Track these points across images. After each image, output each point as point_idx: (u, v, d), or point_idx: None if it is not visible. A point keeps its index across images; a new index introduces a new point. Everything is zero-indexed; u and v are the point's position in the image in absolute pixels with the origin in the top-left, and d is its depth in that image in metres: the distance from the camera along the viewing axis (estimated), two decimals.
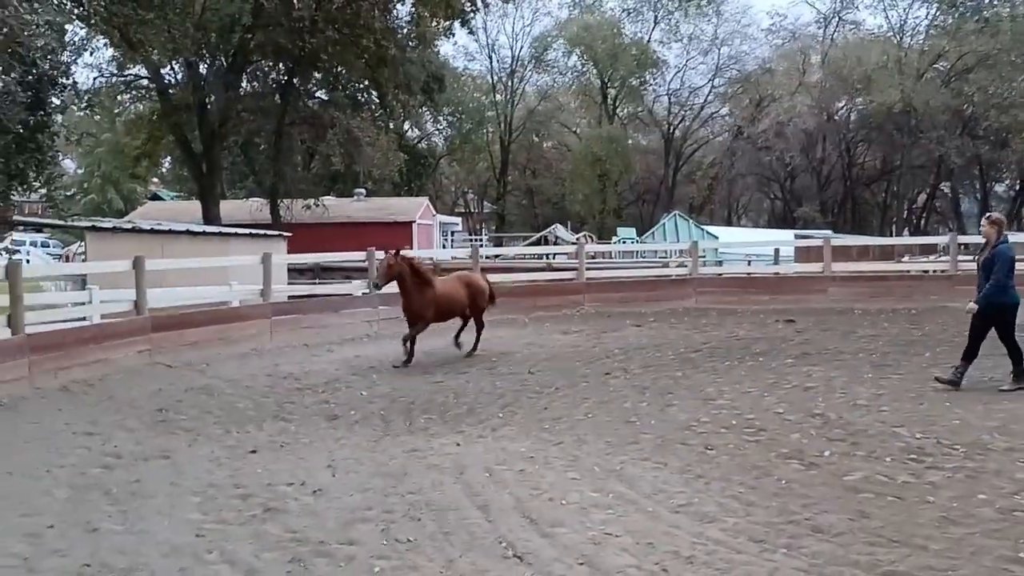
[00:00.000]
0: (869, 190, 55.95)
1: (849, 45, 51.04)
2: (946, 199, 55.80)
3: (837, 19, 52.93)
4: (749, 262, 26.30)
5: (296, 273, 22.60)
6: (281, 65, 31.12)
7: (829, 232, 33.39)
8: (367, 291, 15.38)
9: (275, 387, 10.10)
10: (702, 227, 39.83)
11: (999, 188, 56.64)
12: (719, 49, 54.91)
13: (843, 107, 53.43)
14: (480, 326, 12.47)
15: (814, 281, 17.57)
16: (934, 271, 19.58)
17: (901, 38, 50.04)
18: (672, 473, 6.49)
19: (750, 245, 30.91)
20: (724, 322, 15.13)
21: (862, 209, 55.81)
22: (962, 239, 20.23)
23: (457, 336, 12.29)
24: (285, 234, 23.73)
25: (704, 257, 24.90)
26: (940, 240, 21.16)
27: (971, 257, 18.23)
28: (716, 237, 35.45)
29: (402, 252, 11.48)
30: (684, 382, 9.96)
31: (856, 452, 6.88)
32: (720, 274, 21.42)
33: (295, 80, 30.72)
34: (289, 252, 21.18)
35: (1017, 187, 52.58)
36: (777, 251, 22.71)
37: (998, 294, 8.82)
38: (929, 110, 45.18)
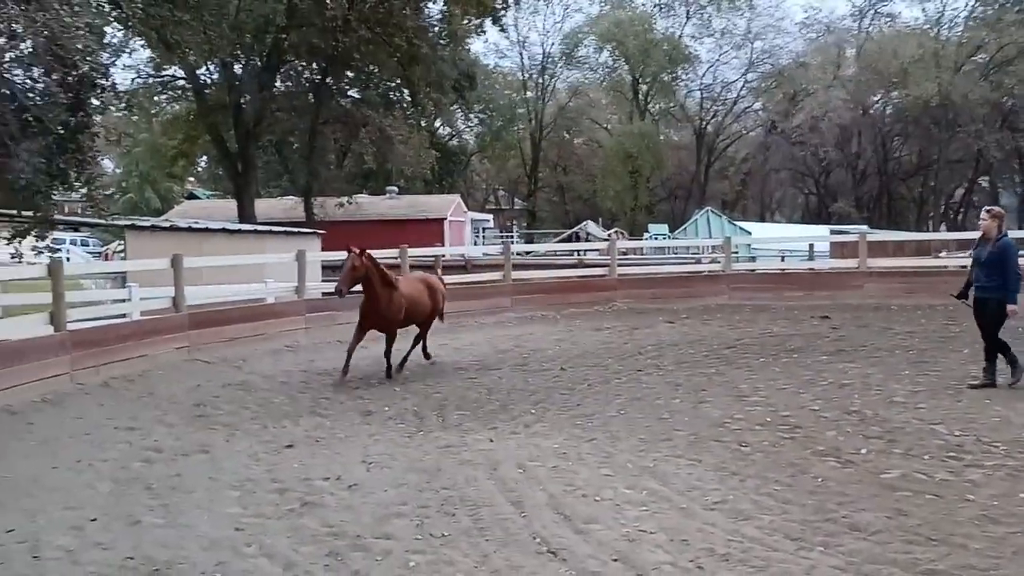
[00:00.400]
0: (905, 185, 55.09)
1: (885, 38, 50.31)
2: (984, 193, 54.76)
3: (873, 12, 52.27)
4: (783, 258, 26.05)
5: (330, 270, 22.77)
6: (314, 64, 31.40)
7: (865, 228, 32.95)
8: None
9: (310, 383, 10.21)
10: (735, 223, 39.50)
11: None
12: (752, 43, 54.51)
13: (879, 101, 52.68)
14: (426, 332, 11.37)
15: (850, 277, 17.37)
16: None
17: (938, 30, 49.21)
18: (706, 470, 6.46)
19: (784, 241, 30.60)
20: (758, 318, 15.02)
21: (898, 204, 54.98)
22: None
23: (411, 350, 11.14)
24: (319, 232, 23.94)
25: (737, 253, 24.71)
26: (977, 235, 20.71)
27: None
28: (749, 233, 35.16)
29: (368, 251, 10.17)
30: (718, 379, 9.91)
31: (893, 450, 6.80)
32: (753, 270, 21.26)
33: (328, 79, 30.98)
34: (323, 250, 21.35)
35: None
36: (812, 247, 22.49)
37: (1009, 289, 8.65)
38: (967, 103, 44.40)
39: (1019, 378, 8.76)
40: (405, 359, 10.90)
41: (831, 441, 7.11)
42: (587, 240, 37.10)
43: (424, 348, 11.23)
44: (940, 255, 22.49)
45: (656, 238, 38.16)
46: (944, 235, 36.97)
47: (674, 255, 28.17)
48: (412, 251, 16.35)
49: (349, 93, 34.17)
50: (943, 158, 47.92)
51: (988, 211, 9.04)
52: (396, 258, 16.09)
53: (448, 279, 18.41)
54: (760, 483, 6.11)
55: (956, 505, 5.54)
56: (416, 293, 10.82)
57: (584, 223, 44.19)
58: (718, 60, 55.69)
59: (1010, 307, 8.67)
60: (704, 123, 57.65)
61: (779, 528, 5.23)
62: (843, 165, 53.41)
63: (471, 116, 55.76)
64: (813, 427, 7.56)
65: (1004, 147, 45.36)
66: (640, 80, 56.89)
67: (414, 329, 11.35)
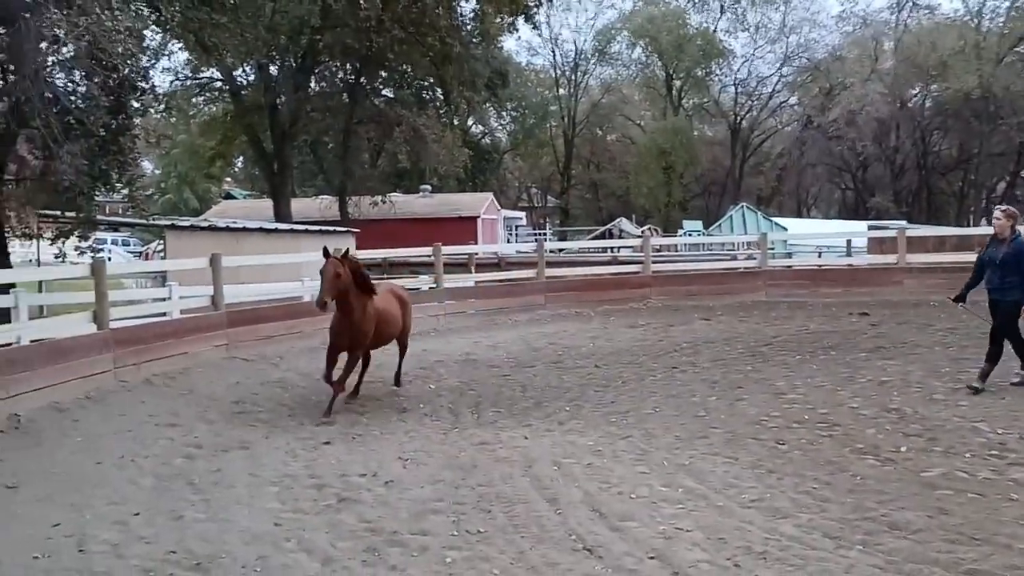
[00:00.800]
0: (945, 179, 54.08)
1: (923, 30, 49.41)
2: None
3: (911, 4, 51.31)
4: (820, 254, 25.74)
5: (366, 268, 22.97)
6: (348, 65, 31.70)
7: (904, 223, 32.43)
8: (433, 286, 15.54)
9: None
10: (770, 219, 39.10)
11: None
12: (787, 37, 53.93)
13: (917, 94, 51.78)
14: (404, 350, 10.01)
15: (888, 273, 17.12)
16: None
17: (979, 22, 48.23)
18: (743, 468, 6.42)
19: (821, 236, 30.23)
20: (795, 315, 14.86)
21: (938, 199, 53.99)
22: None
23: (400, 364, 10.03)
24: (353, 230, 24.15)
25: (773, 249, 24.47)
26: (1021, 229, 20.32)
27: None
28: (785, 229, 34.77)
29: (351, 254, 8.78)
30: (754, 376, 9.83)
31: (934, 448, 6.71)
32: (790, 266, 21.03)
33: (362, 79, 31.22)
34: (358, 248, 21.52)
35: None
36: (849, 242, 22.19)
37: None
38: (1009, 95, 43.47)
39: (975, 383, 8.50)
40: (399, 373, 9.88)
41: (870, 439, 7.03)
42: (620, 237, 36.98)
43: (399, 373, 9.92)
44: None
45: (690, 234, 37.91)
46: (985, 230, 36.22)
47: (709, 251, 27.98)
48: (446, 249, 16.39)
49: (383, 93, 34.43)
50: (984, 151, 46.96)
51: (1003, 210, 8.74)
52: (430, 256, 16.18)
53: (482, 277, 18.55)
54: (798, 481, 6.06)
55: (999, 504, 5.46)
56: (389, 307, 9.30)
57: (617, 220, 44.05)
58: (753, 55, 55.22)
59: None
60: (739, 118, 57.13)
61: (817, 526, 5.19)
62: (881, 159, 52.60)
63: (504, 114, 55.84)
64: (852, 425, 7.48)
65: None
66: (673, 76, 56.55)
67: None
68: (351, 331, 8.66)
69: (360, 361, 9.17)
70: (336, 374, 8.72)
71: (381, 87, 34.47)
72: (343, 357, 8.81)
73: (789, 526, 5.22)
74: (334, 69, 32.71)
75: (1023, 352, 8.62)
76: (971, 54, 44.91)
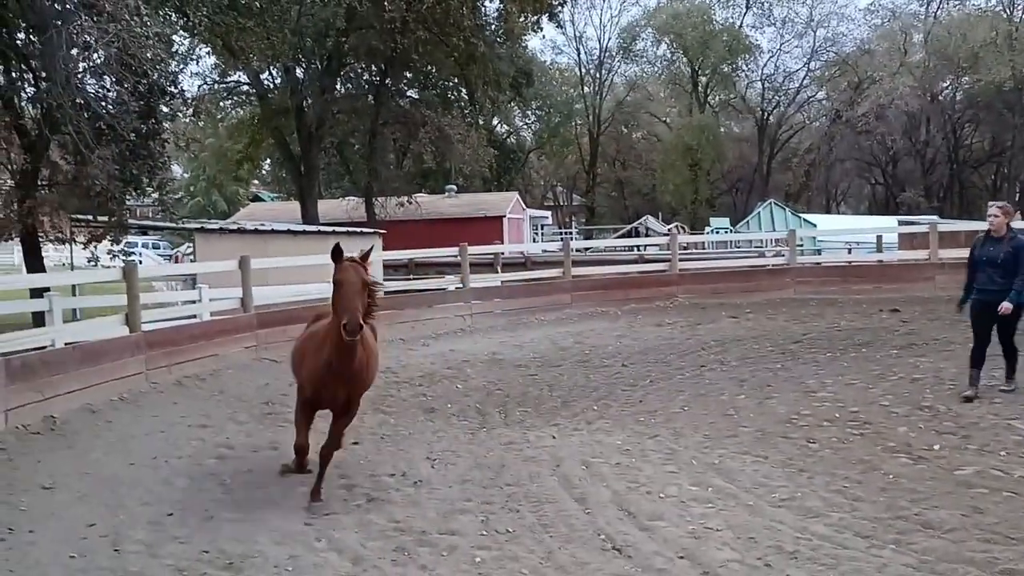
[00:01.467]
0: (977, 173, 53.27)
1: (953, 22, 48.67)
2: None
3: None
4: (850, 250, 25.45)
5: (391, 269, 23.09)
6: (374, 66, 31.81)
7: (935, 218, 31.98)
8: (460, 286, 15.58)
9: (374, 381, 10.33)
10: (799, 215, 38.72)
11: None
12: (815, 31, 53.33)
13: (948, 87, 51.03)
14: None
15: (920, 269, 16.90)
16: None
17: (1012, 12, 47.42)
18: (773, 467, 6.38)
19: (851, 232, 29.89)
20: (824, 312, 14.72)
21: (970, 193, 53.18)
22: None
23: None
24: (380, 231, 24.25)
25: (802, 246, 24.24)
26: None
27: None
28: (814, 225, 34.42)
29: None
30: (783, 374, 9.75)
31: (968, 446, 6.62)
32: (819, 263, 20.82)
33: (387, 80, 31.34)
34: (384, 249, 21.63)
35: None
36: (880, 238, 21.89)
37: None
38: None
39: (1008, 387, 8.22)
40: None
41: (902, 437, 6.95)
42: (647, 235, 36.81)
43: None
44: None
45: (717, 232, 37.65)
46: (1020, 223, 35.68)
47: (736, 249, 27.78)
48: (472, 249, 16.42)
49: (408, 94, 34.52)
50: (1017, 144, 46.18)
51: (1000, 207, 8.29)
52: (456, 256, 16.21)
53: (508, 277, 18.55)
54: (829, 480, 6.01)
55: None
56: (375, 346, 6.35)
57: (644, 218, 43.86)
58: (780, 49, 54.72)
59: (1006, 306, 7.90)
60: (766, 114, 56.63)
61: (849, 525, 5.14)
62: (911, 154, 51.88)
63: (528, 113, 55.79)
64: (883, 423, 7.40)
65: None
66: (699, 72, 56.19)
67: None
68: (350, 375, 5.74)
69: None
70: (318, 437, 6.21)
71: (406, 88, 34.56)
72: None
73: (820, 525, 5.17)
74: (359, 71, 32.86)
75: (1014, 360, 8.28)
76: (1003, 45, 44.15)
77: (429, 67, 32.21)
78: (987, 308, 8.09)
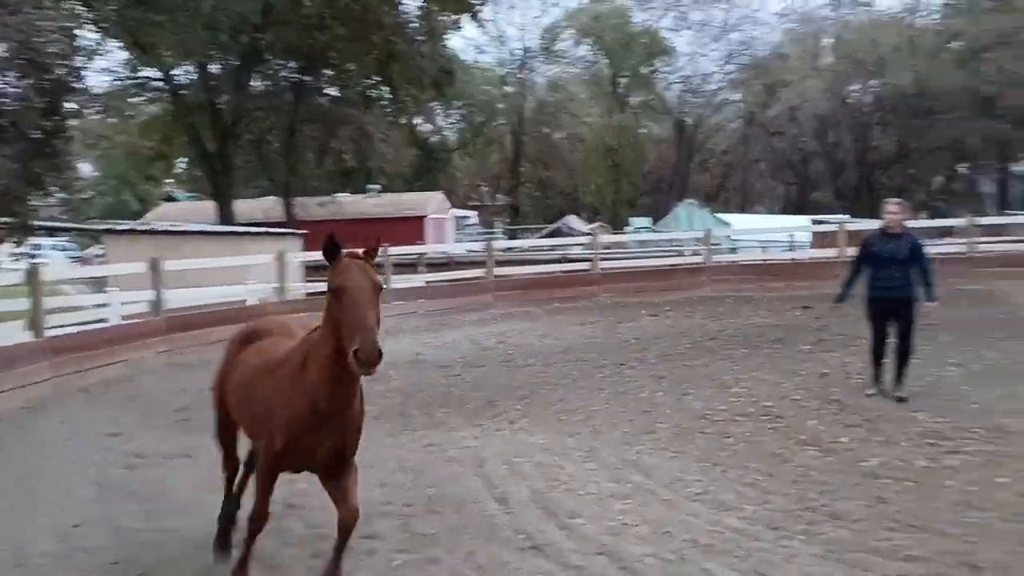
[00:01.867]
0: (886, 174, 55.44)
1: (862, 27, 50.55)
2: (964, 181, 55.19)
3: (849, 1, 52.45)
4: (763, 249, 26.20)
5: (313, 270, 22.72)
6: (292, 63, 31.25)
7: (847, 217, 33.13)
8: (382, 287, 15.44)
9: None
10: (715, 215, 39.64)
11: (1018, 168, 55.94)
12: (730, 35, 54.64)
13: (857, 91, 52.95)
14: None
15: (830, 266, 17.42)
16: (951, 254, 19.42)
17: (914, 18, 49.51)
18: (690, 462, 6.51)
19: (765, 232, 30.76)
20: (740, 310, 15.10)
21: (879, 194, 55.23)
22: (981, 221, 20.07)
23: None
24: (302, 232, 23.86)
25: (718, 245, 24.82)
26: (957, 223, 20.96)
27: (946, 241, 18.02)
28: (729, 225, 35.30)
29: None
30: (701, 371, 9.96)
31: (873, 438, 6.89)
32: (735, 262, 21.35)
33: (306, 78, 30.85)
34: (306, 250, 21.28)
35: None
36: (792, 237, 22.63)
37: (931, 284, 8.06)
38: (944, 91, 44.71)
39: (903, 393, 8.03)
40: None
41: (812, 430, 7.19)
42: (570, 235, 37.15)
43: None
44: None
45: (638, 231, 38.24)
46: (925, 223, 37.21)
47: (656, 248, 28.28)
48: (394, 249, 16.31)
49: (328, 91, 34.04)
50: (922, 147, 48.25)
51: (899, 203, 8.45)
52: (378, 257, 16.06)
53: (431, 277, 18.49)
54: (742, 473, 6.17)
55: (935, 492, 5.62)
56: None
57: (565, 218, 44.25)
58: (697, 52, 55.87)
59: (931, 304, 8.06)
60: (684, 116, 57.79)
61: (760, 518, 5.29)
62: (822, 155, 53.69)
63: (451, 112, 55.64)
64: (795, 417, 7.64)
65: (982, 134, 45.69)
66: (619, 74, 56.97)
67: None
68: (348, 419, 4.32)
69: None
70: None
71: (326, 85, 34.08)
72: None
73: (734, 518, 5.30)
74: (277, 67, 32.26)
75: (908, 360, 8.17)
76: (907, 51, 46.07)
77: (349, 65, 31.82)
78: (890, 304, 8.13)
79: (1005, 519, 5.08)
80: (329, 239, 4.00)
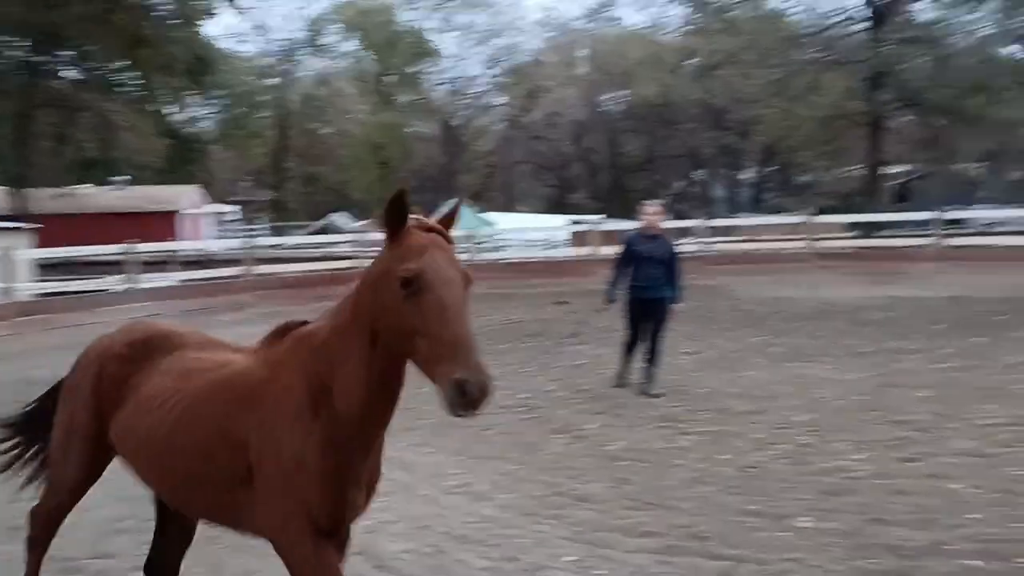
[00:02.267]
0: (636, 178, 59.53)
1: (614, 40, 53.91)
2: (700, 186, 60.50)
3: (601, 14, 55.77)
4: (525, 247, 27.18)
5: (50, 268, 20.66)
6: (24, 41, 28.21)
7: (603, 217, 35.17)
8: (129, 286, 14.37)
9: (21, 394, 9.17)
10: (479, 214, 40.58)
11: (744, 176, 62.20)
12: (493, 40, 56.19)
13: (609, 99, 56.39)
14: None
15: (587, 264, 18.48)
16: (688, 252, 21.22)
17: (659, 35, 53.52)
18: (449, 456, 6.62)
19: (528, 231, 31.96)
20: (501, 306, 15.55)
21: (630, 196, 59.27)
22: (712, 223, 22.10)
23: None
24: (34, 226, 21.62)
25: (483, 243, 25.45)
26: (693, 224, 23.00)
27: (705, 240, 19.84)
28: (492, 224, 36.27)
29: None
30: None
31: (617, 423, 7.37)
32: (498, 259, 21.99)
33: (39, 58, 27.97)
34: (40, 246, 19.32)
35: (759, 173, 58.03)
36: (552, 236, 23.69)
37: (679, 287, 8.43)
38: (683, 103, 48.73)
39: (657, 391, 8.34)
40: None
41: (563, 419, 7.57)
42: (337, 232, 36.52)
43: None
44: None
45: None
46: (670, 224, 40.30)
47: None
48: (143, 247, 15.22)
49: (65, 75, 31.10)
50: (665, 154, 52.29)
51: (657, 205, 8.82)
52: (122, 254, 14.92)
53: (186, 275, 17.44)
54: (498, 464, 6.37)
55: (669, 470, 6.10)
56: None
57: (332, 215, 43.45)
58: (461, 55, 56.94)
59: (679, 306, 8.44)
60: (451, 116, 58.69)
61: (514, 505, 5.48)
62: (579, 159, 56.69)
63: (210, 102, 52.73)
64: (548, 407, 8.01)
65: (714, 144, 50.29)
66: (386, 72, 56.79)
67: None
68: (373, 471, 3.22)
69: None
70: None
71: (64, 68, 31.12)
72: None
73: (489, 508, 5.46)
74: (1, 45, 29.00)
75: (658, 359, 8.49)
76: (652, 64, 49.74)
77: (90, 46, 29.25)
78: (648, 303, 8.38)
79: (727, 492, 5.62)
80: (399, 196, 2.70)
